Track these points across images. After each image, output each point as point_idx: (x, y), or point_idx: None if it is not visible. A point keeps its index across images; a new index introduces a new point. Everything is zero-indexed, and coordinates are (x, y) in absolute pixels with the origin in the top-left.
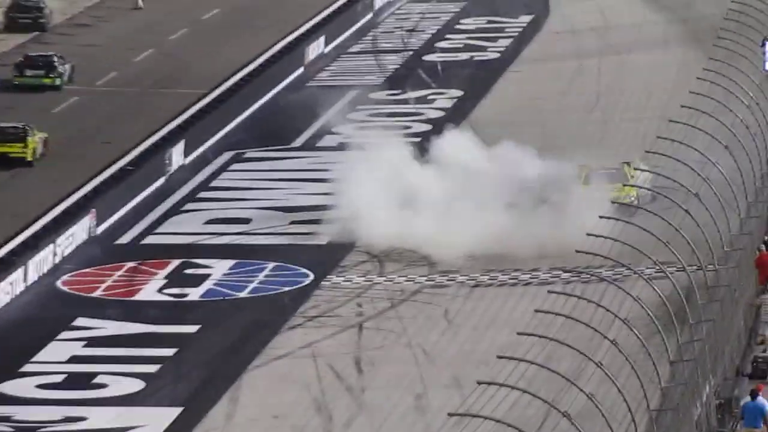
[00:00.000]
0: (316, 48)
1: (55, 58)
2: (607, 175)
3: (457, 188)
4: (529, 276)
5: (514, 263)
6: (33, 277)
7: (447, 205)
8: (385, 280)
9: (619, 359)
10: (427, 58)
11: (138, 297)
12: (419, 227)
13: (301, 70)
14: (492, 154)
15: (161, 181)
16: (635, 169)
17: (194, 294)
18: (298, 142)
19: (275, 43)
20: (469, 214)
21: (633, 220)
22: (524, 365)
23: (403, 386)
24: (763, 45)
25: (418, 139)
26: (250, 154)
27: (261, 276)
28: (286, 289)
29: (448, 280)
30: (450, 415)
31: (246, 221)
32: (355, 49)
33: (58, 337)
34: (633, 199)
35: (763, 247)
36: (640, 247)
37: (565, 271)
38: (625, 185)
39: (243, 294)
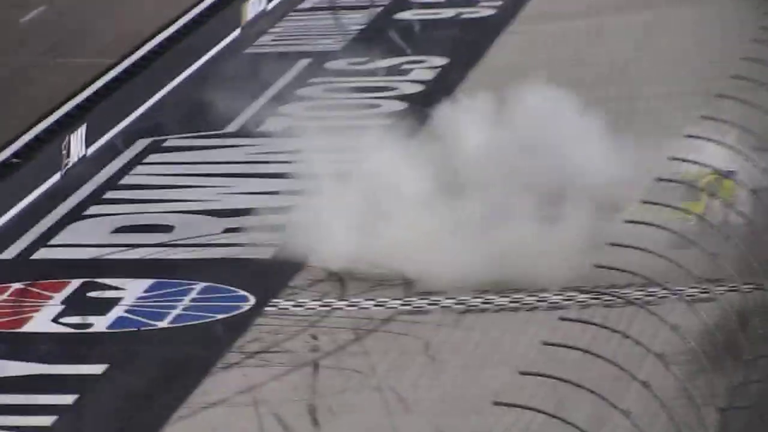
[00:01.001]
0: (256, 4)
1: None
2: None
3: (460, 190)
4: (534, 299)
5: (516, 283)
6: None
7: (433, 207)
8: (348, 305)
9: (653, 406)
10: (401, 16)
11: (27, 328)
12: (393, 238)
13: (237, 33)
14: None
15: (56, 177)
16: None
17: (100, 324)
18: (233, 126)
19: None
20: (472, 228)
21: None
22: (529, 414)
23: None
24: None
25: (390, 120)
26: (171, 142)
27: (186, 300)
28: (220, 316)
29: (429, 304)
30: None
31: (167, 229)
32: (307, 4)
33: None
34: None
35: None
36: (680, 260)
37: (582, 292)
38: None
39: (163, 323)
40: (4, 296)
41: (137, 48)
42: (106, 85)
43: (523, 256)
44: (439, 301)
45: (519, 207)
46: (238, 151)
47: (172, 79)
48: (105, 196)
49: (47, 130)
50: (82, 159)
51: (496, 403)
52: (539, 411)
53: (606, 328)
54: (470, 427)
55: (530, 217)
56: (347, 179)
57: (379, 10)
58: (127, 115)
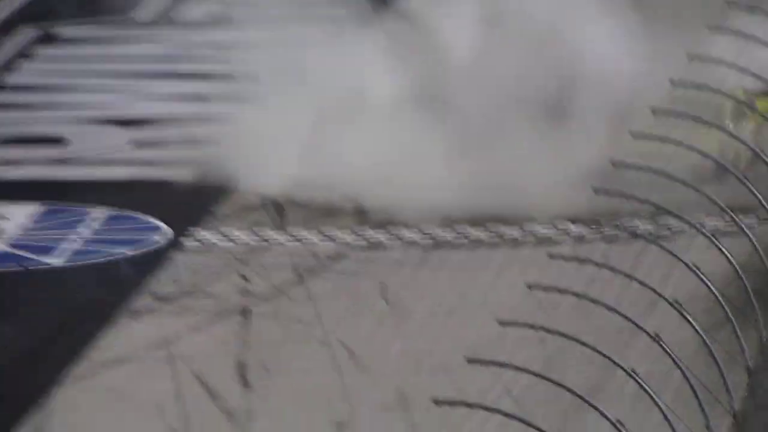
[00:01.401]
0: None
1: None
2: None
3: (427, 89)
4: (518, 231)
5: (495, 213)
6: None
7: (399, 119)
8: (289, 239)
9: (664, 364)
10: None
11: None
12: (346, 157)
13: None
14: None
15: None
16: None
17: None
18: (143, 13)
19: None
20: (444, 147)
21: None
22: (509, 374)
23: (316, 409)
24: None
25: (343, 8)
26: (63, 31)
27: (86, 231)
28: (127, 252)
29: (388, 239)
30: None
31: (60, 142)
32: None
33: None
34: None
35: None
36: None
37: (577, 223)
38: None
39: (56, 260)
40: None
41: None
42: None
43: (507, 180)
44: (401, 234)
45: (507, 119)
46: (151, 44)
47: None
48: None
49: None
50: None
51: (470, 360)
52: (523, 370)
53: (607, 267)
54: (437, 389)
55: (520, 131)
56: (290, 82)
57: None
58: None
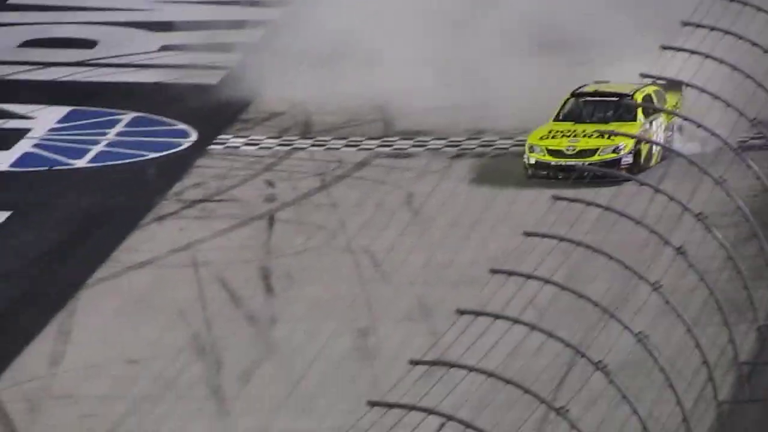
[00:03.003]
0: None
1: None
2: None
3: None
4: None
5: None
6: None
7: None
8: (313, 145)
9: (689, 279)
10: None
11: None
12: (375, 69)
13: None
14: None
15: None
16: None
17: (1, 161)
18: None
19: None
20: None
21: None
22: (534, 286)
23: (338, 317)
24: None
25: None
26: None
27: (111, 134)
28: (152, 155)
29: (413, 146)
30: (413, 363)
31: (88, 44)
32: None
33: None
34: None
35: None
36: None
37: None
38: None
39: (81, 162)
40: None
41: None
42: None
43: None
44: (426, 142)
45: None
46: None
47: None
48: (9, 1)
49: None
50: None
51: (493, 271)
52: (547, 281)
53: (632, 180)
54: (460, 300)
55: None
56: None
57: None
58: None
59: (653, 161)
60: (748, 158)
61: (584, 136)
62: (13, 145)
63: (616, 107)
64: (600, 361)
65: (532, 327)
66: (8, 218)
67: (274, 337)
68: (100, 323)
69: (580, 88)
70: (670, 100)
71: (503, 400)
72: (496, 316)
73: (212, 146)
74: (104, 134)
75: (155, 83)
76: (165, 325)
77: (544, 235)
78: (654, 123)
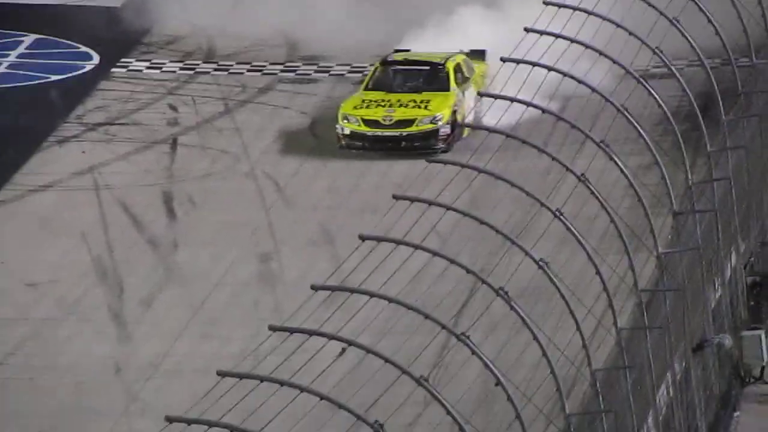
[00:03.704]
0: None
1: None
2: None
3: None
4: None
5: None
6: None
7: None
8: (217, 68)
9: (590, 206)
10: None
11: None
12: None
13: None
14: None
15: None
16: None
17: None
18: None
19: None
20: None
21: None
22: (436, 211)
23: (241, 242)
24: None
25: None
26: None
27: (13, 55)
28: (54, 77)
29: (317, 71)
30: (315, 288)
31: None
32: None
33: None
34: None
35: None
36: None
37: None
38: None
39: None
40: None
41: None
42: None
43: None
44: (330, 67)
45: None
46: None
47: None
48: None
49: None
50: None
51: (396, 197)
52: (449, 208)
53: (532, 106)
54: (363, 226)
55: None
56: None
57: None
58: None
59: (465, 132)
60: (650, 87)
61: (400, 105)
62: None
63: (427, 75)
64: (501, 288)
65: (434, 253)
66: None
67: (177, 262)
68: (1, 246)
69: (387, 56)
70: (478, 69)
71: (405, 326)
72: (398, 242)
73: (115, 69)
74: (6, 56)
75: (58, 5)
76: (66, 248)
77: (446, 162)
78: (466, 92)
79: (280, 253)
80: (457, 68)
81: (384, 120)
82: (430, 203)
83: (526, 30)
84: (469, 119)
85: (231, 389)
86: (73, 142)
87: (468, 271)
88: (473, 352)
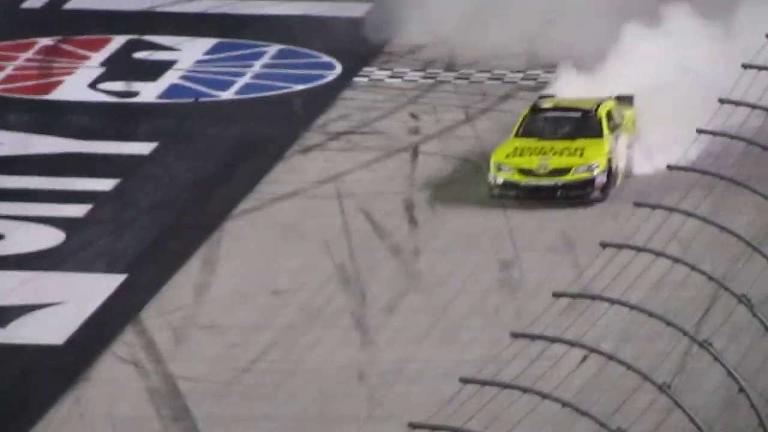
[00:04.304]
0: None
1: None
2: None
3: None
4: None
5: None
6: None
7: None
8: (457, 77)
9: None
10: None
11: (58, 95)
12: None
13: None
14: None
15: None
16: None
17: (148, 92)
18: None
19: None
20: None
21: None
22: (677, 218)
23: (482, 248)
24: None
25: None
26: None
27: (257, 66)
28: (298, 87)
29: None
30: (557, 295)
31: None
32: None
33: None
34: None
35: None
36: None
37: None
38: None
39: (227, 94)
40: (29, 54)
41: None
42: None
43: None
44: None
45: None
46: None
47: None
48: None
49: None
50: None
51: (637, 204)
52: (690, 214)
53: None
54: (603, 233)
55: None
56: None
57: None
58: None
59: (620, 179)
60: None
61: (554, 153)
62: (160, 76)
63: (578, 122)
64: (744, 294)
65: (676, 260)
66: (155, 149)
67: (418, 269)
68: (245, 254)
69: (536, 103)
70: (627, 114)
71: (646, 333)
72: (639, 249)
73: (357, 78)
74: (250, 66)
75: (301, 15)
76: (310, 256)
77: (687, 169)
78: (619, 139)
79: (521, 260)
80: (609, 115)
81: (539, 169)
82: (671, 210)
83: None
84: (621, 167)
85: (473, 396)
86: (317, 150)
87: (710, 278)
88: (715, 359)
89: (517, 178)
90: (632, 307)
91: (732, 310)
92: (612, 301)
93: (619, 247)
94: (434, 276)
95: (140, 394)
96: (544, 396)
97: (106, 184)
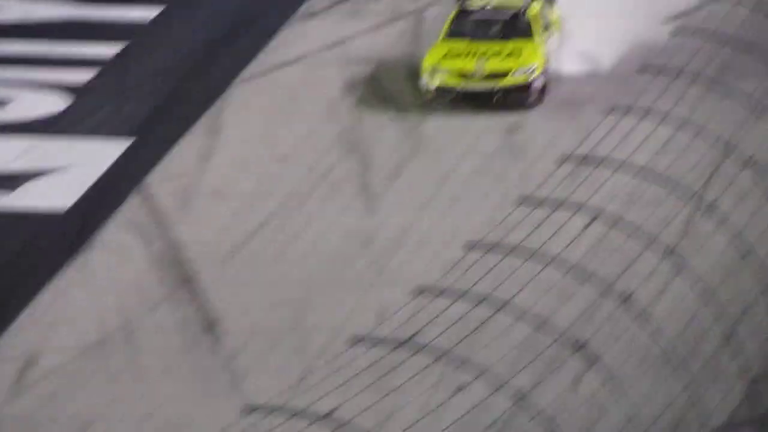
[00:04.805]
0: None
1: None
2: None
3: None
4: None
5: None
6: None
7: None
8: None
9: None
10: None
11: None
12: None
13: None
14: None
15: None
16: None
17: None
18: None
19: None
20: None
21: None
22: (681, 83)
23: (487, 113)
24: None
25: None
26: None
27: None
28: None
29: None
30: (561, 161)
31: None
32: None
33: None
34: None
35: None
36: None
37: None
38: None
39: None
40: None
41: None
42: None
43: None
44: None
45: None
46: None
47: None
48: None
49: None
50: None
51: (641, 71)
52: (696, 76)
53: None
54: (612, 96)
55: None
56: None
57: None
58: None
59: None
60: None
61: (488, 56)
62: None
63: (509, 23)
64: (750, 157)
65: (682, 123)
66: (159, 14)
67: (423, 134)
68: (249, 120)
69: (464, 2)
70: (551, 16)
71: (651, 197)
72: (647, 113)
73: None
74: None
75: None
76: (314, 122)
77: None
78: (549, 40)
79: (527, 124)
80: (537, 15)
81: (475, 72)
82: (677, 73)
83: None
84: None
85: (478, 261)
86: (322, 16)
87: (715, 140)
88: (721, 223)
89: (453, 82)
90: (638, 171)
91: (737, 174)
92: (617, 165)
93: (627, 110)
94: (440, 141)
95: (145, 259)
96: (549, 260)
97: (110, 50)
